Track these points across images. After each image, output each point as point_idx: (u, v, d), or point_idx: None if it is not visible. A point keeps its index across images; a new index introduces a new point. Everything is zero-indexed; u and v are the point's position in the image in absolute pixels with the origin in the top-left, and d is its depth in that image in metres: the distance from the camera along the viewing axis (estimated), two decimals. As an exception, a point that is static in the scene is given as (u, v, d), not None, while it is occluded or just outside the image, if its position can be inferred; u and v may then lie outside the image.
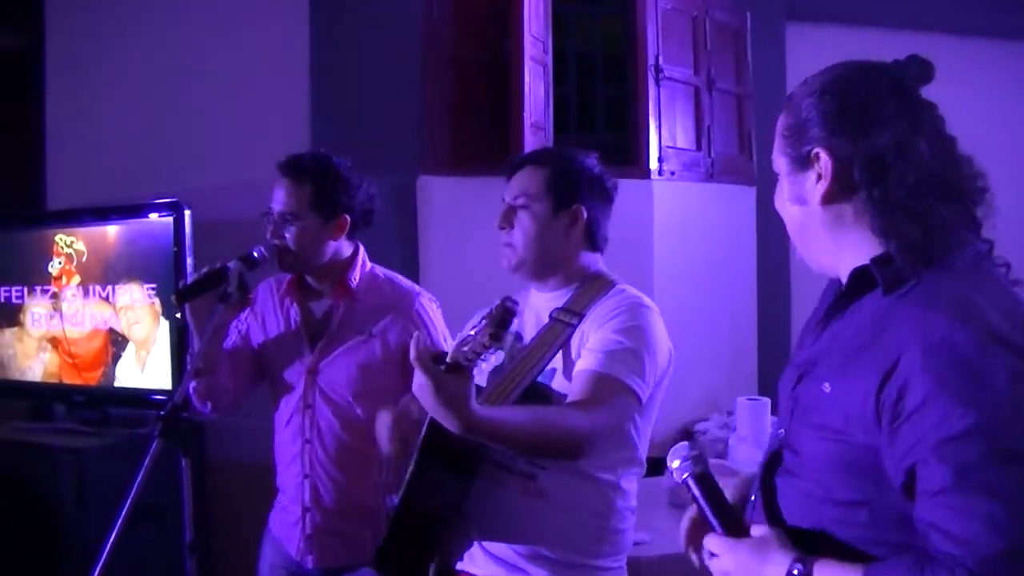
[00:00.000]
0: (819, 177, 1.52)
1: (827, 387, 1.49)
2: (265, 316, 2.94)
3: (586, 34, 5.65)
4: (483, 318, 1.82)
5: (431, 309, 2.86)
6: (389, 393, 2.66)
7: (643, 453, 2.34)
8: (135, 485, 2.30)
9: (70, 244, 4.34)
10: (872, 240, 1.50)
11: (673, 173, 5.42)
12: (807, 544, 1.49)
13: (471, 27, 4.97)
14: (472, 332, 1.82)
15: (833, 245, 1.56)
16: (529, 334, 2.34)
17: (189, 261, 3.91)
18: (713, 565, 1.59)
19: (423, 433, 2.16)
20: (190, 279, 2.69)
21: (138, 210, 4.17)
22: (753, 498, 1.70)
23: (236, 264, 2.64)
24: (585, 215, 2.36)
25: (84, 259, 4.31)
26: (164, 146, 4.58)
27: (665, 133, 5.39)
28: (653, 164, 5.30)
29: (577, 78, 5.58)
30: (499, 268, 2.41)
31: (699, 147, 5.64)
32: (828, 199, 1.52)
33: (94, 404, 4.30)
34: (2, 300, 4.57)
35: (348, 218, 2.80)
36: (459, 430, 1.88)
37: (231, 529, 3.40)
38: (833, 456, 1.48)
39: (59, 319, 4.39)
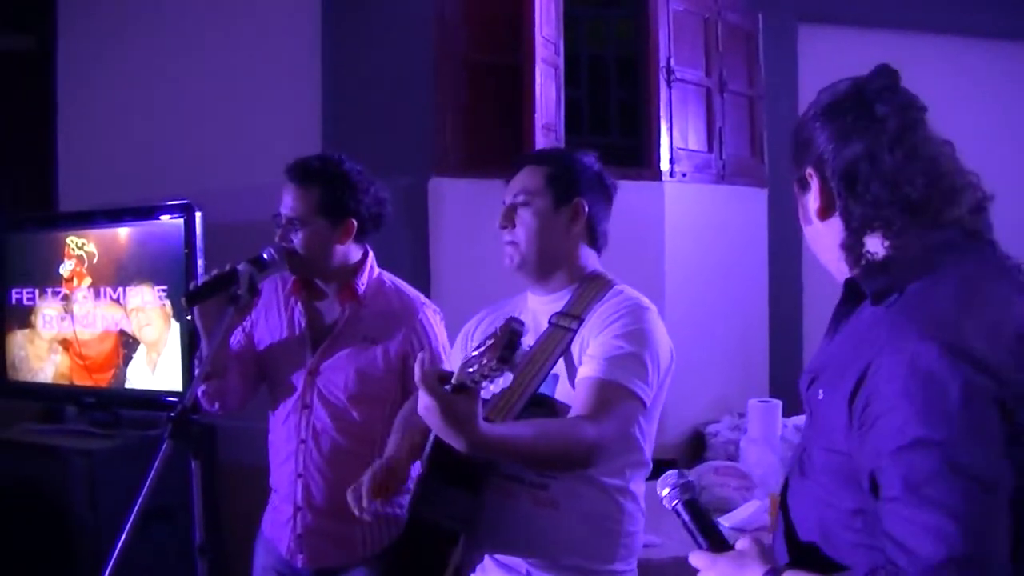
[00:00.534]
0: (814, 195, 1.58)
1: (821, 394, 1.52)
2: (268, 313, 2.94)
3: (598, 37, 5.65)
4: (488, 338, 1.80)
5: (434, 321, 2.86)
6: (386, 399, 2.72)
7: (649, 455, 2.32)
8: (145, 487, 2.30)
9: (81, 246, 4.35)
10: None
11: (685, 175, 5.41)
12: (811, 549, 1.53)
13: (483, 29, 4.97)
14: (476, 353, 1.80)
15: (836, 258, 1.59)
16: (529, 340, 2.31)
17: (200, 263, 3.91)
18: None
19: (428, 450, 2.15)
20: (200, 281, 2.69)
21: (149, 212, 4.18)
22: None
23: (246, 266, 2.64)
24: (587, 209, 2.35)
25: (95, 261, 4.32)
26: (175, 148, 4.59)
27: (677, 135, 5.38)
28: (665, 166, 5.30)
29: (589, 81, 5.58)
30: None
31: (711, 149, 5.63)
32: (822, 215, 1.58)
33: (105, 406, 4.30)
34: (14, 302, 4.58)
35: (355, 222, 2.79)
36: (467, 450, 1.88)
37: (242, 531, 3.39)
38: (832, 463, 1.50)
39: (70, 321, 4.40)
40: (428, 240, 4.83)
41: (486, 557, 2.26)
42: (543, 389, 2.23)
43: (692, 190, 5.47)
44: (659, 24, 5.32)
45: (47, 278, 4.46)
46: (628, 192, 5.10)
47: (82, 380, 4.41)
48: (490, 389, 1.97)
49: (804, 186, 1.61)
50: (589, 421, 2.08)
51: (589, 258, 2.40)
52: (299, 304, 2.89)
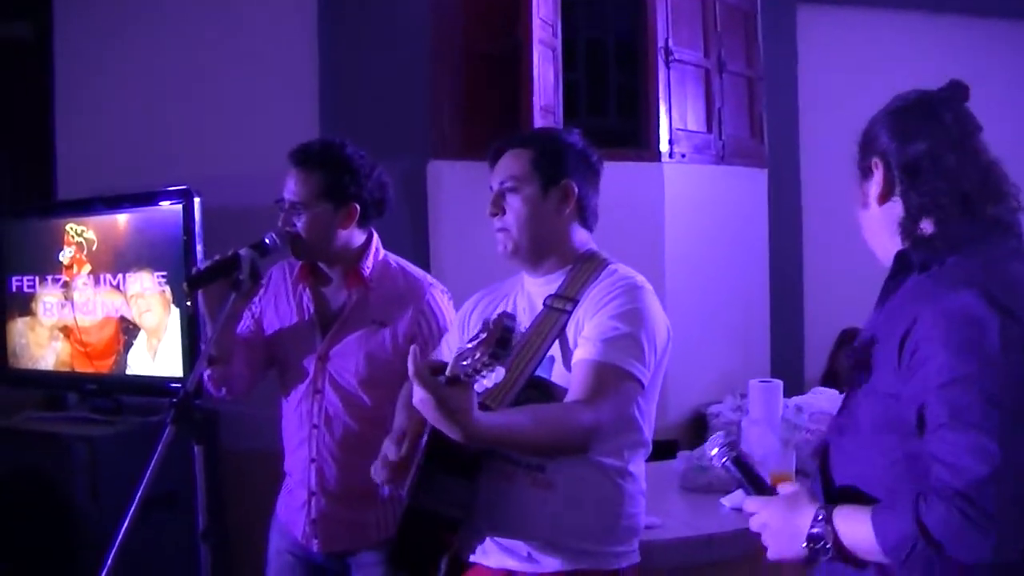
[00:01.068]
0: (877, 182, 1.82)
1: (876, 350, 1.73)
2: (278, 299, 2.94)
3: (596, 18, 5.63)
4: (481, 331, 1.81)
5: (442, 301, 2.84)
6: (397, 382, 2.64)
7: (648, 434, 2.31)
8: (147, 473, 2.30)
9: (81, 233, 4.35)
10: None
11: (684, 156, 5.41)
12: (850, 497, 1.72)
13: (481, 12, 4.96)
14: (470, 346, 1.81)
15: (888, 239, 1.82)
16: (524, 322, 2.31)
17: (199, 249, 3.91)
18: (753, 522, 1.83)
19: (426, 438, 2.15)
20: (201, 266, 2.69)
21: (148, 198, 4.17)
22: None
23: (247, 251, 2.63)
24: (576, 190, 2.34)
25: (95, 248, 4.32)
26: (173, 134, 4.58)
27: (676, 116, 5.38)
28: (664, 147, 5.30)
29: (587, 62, 5.57)
30: (508, 253, 2.39)
31: (710, 129, 5.62)
32: (881, 200, 1.82)
33: (106, 392, 4.31)
34: (14, 290, 4.58)
35: (357, 207, 2.79)
36: (463, 440, 1.88)
37: (247, 517, 3.40)
38: (878, 411, 1.71)
39: (70, 308, 4.40)
40: (427, 223, 4.83)
41: (487, 540, 2.26)
42: (539, 372, 2.22)
43: (692, 171, 5.47)
44: (657, 5, 5.31)
45: (47, 265, 4.45)
46: (627, 174, 5.14)
47: (83, 367, 4.41)
48: (483, 383, 1.97)
49: (867, 174, 1.85)
50: (585, 405, 2.08)
51: (581, 237, 2.39)
52: (307, 290, 2.89)
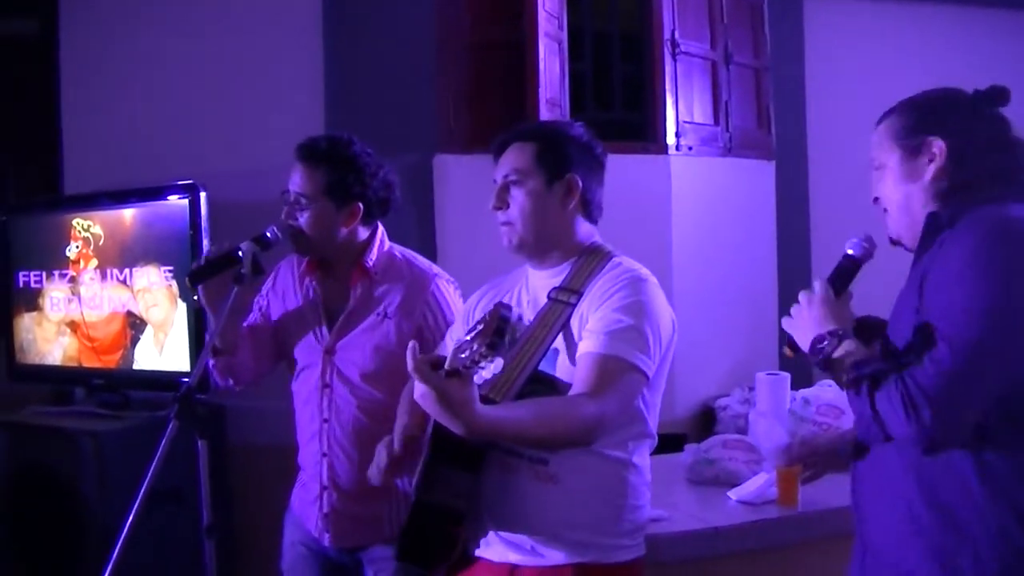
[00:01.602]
0: (931, 159, 1.97)
1: (899, 303, 1.96)
2: (286, 293, 2.94)
3: (602, 11, 5.61)
4: (479, 322, 1.81)
5: (448, 291, 2.83)
6: (405, 374, 2.63)
7: (653, 426, 2.31)
8: (152, 467, 2.30)
9: (87, 228, 4.35)
10: None
11: (691, 148, 5.39)
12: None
13: (486, 4, 4.95)
14: (468, 338, 1.81)
15: (918, 211, 1.99)
16: (528, 315, 2.31)
17: (205, 243, 3.91)
18: (792, 311, 2.06)
19: (429, 431, 2.14)
20: (202, 260, 2.69)
21: (154, 193, 4.18)
22: None
23: (249, 245, 2.63)
24: (580, 183, 2.33)
25: (101, 243, 4.33)
26: (178, 129, 4.58)
27: (682, 108, 5.36)
28: (671, 139, 5.28)
29: (593, 55, 5.55)
30: (514, 246, 2.39)
31: (717, 122, 5.60)
32: (938, 175, 1.97)
33: (113, 387, 4.32)
34: (21, 285, 4.59)
35: (361, 206, 2.78)
36: (465, 433, 1.88)
37: (254, 512, 3.41)
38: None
39: (77, 303, 4.41)
40: (434, 217, 4.82)
41: (491, 533, 2.25)
42: (544, 365, 2.21)
43: (699, 163, 5.45)
44: (663, -4, 5.29)
45: (54, 260, 4.46)
46: (634, 166, 5.12)
47: (90, 362, 4.42)
48: (482, 375, 1.96)
49: (915, 152, 1.99)
50: (590, 398, 2.08)
51: (586, 230, 2.38)
52: (314, 284, 2.89)
